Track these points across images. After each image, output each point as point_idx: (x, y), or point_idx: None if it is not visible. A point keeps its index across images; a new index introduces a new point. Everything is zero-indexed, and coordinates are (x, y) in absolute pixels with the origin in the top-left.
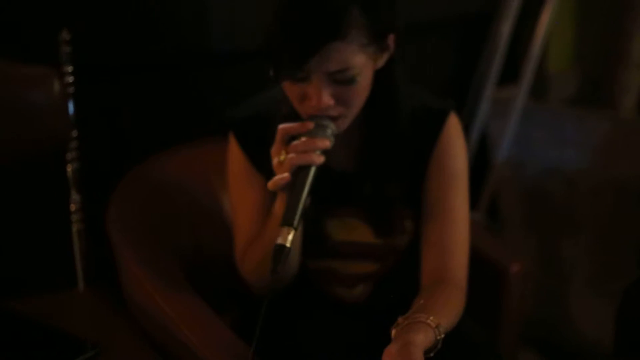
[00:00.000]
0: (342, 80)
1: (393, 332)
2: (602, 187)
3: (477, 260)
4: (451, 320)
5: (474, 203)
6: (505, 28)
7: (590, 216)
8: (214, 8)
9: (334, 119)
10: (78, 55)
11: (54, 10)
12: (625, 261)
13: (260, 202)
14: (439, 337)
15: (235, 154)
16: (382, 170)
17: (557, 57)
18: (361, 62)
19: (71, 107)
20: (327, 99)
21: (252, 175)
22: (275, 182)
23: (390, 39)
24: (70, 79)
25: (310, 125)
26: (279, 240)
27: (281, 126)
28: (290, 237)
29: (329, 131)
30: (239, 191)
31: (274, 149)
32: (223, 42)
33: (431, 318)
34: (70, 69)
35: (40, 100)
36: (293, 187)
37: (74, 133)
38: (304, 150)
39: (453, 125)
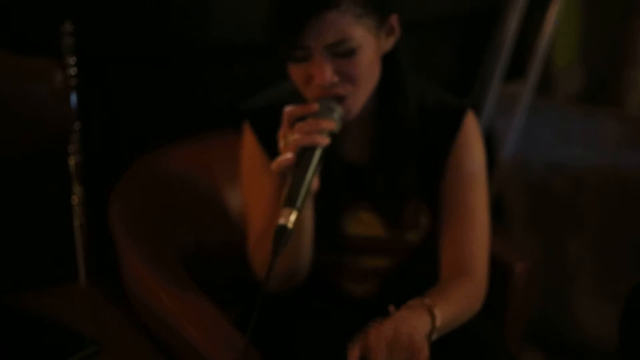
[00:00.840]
0: (341, 52)
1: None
2: (608, 185)
3: None
4: (456, 306)
5: None
6: (512, 24)
7: (596, 214)
8: (217, 1)
9: (340, 99)
10: (81, 47)
11: (57, 2)
12: (631, 261)
13: (274, 194)
14: (435, 320)
15: (249, 144)
16: (395, 162)
17: (563, 54)
18: (360, 34)
19: (74, 99)
20: (330, 75)
21: (267, 166)
22: (278, 162)
23: (394, 20)
24: (73, 71)
25: (315, 106)
26: (281, 221)
27: (287, 108)
28: (292, 217)
29: (336, 114)
30: (252, 183)
31: (280, 132)
32: (226, 36)
33: (425, 300)
34: (73, 61)
35: (43, 93)
36: (297, 168)
37: (77, 125)
38: (308, 132)
39: (471, 123)
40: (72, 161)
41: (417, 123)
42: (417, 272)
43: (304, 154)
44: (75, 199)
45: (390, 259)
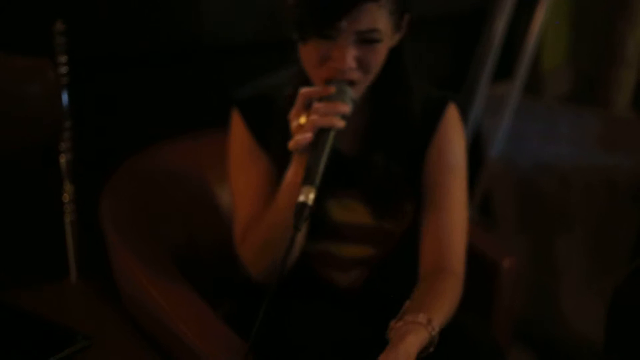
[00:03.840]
0: (368, 39)
1: (388, 337)
2: (595, 184)
3: (470, 255)
4: (446, 311)
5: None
6: (500, 25)
7: (583, 213)
8: (207, 1)
9: (351, 83)
10: (72, 46)
11: (48, 2)
12: (618, 258)
13: (264, 182)
14: (433, 333)
15: (239, 132)
16: (386, 152)
17: (551, 54)
18: (386, 27)
19: (65, 98)
20: (351, 61)
21: (256, 154)
22: (297, 141)
23: (405, 20)
24: (65, 69)
25: (332, 89)
26: (301, 198)
27: (303, 90)
28: (312, 195)
29: (348, 97)
30: (241, 171)
31: (293, 112)
32: (217, 35)
33: (420, 315)
34: (64, 59)
35: (35, 91)
36: (314, 148)
37: (68, 124)
38: (325, 113)
39: (452, 114)
40: (63, 159)
41: (416, 116)
42: (402, 262)
43: (320, 134)
44: (66, 197)
45: (376, 248)
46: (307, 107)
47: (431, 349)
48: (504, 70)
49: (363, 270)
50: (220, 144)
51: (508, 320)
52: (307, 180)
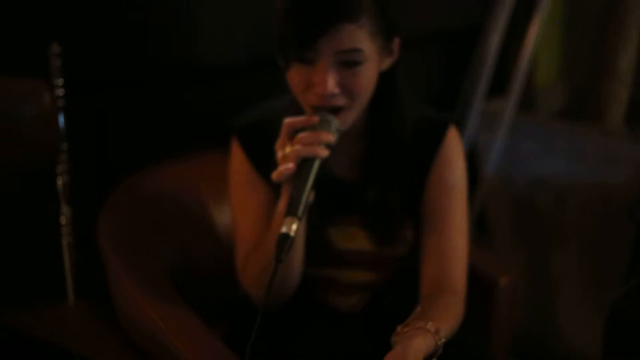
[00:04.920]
0: (349, 61)
1: (393, 340)
2: (591, 200)
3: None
4: (450, 326)
5: None
6: (494, 41)
7: (579, 229)
8: (203, 23)
9: (336, 111)
10: (69, 68)
11: (44, 24)
12: (614, 274)
13: (264, 210)
14: (439, 342)
15: (238, 160)
16: (384, 179)
17: (545, 71)
18: (369, 49)
19: (61, 120)
20: (332, 85)
21: (256, 182)
22: (279, 172)
23: (396, 43)
24: (61, 92)
25: (315, 119)
26: (283, 230)
27: (287, 120)
28: (294, 226)
29: (333, 126)
30: (241, 199)
31: (278, 143)
32: (212, 57)
33: (430, 323)
34: (60, 82)
35: (31, 113)
36: (297, 178)
37: (64, 146)
38: (309, 143)
39: (453, 137)
40: (60, 181)
41: (410, 140)
42: (403, 286)
43: (304, 164)
44: (64, 219)
45: (377, 273)
46: (292, 137)
47: None
48: (498, 86)
49: (364, 295)
50: (216, 165)
51: (505, 337)
52: (289, 211)
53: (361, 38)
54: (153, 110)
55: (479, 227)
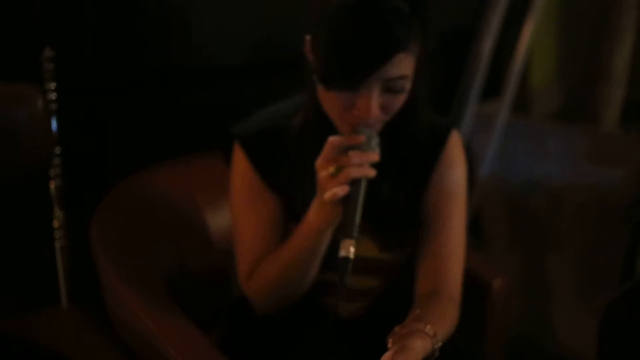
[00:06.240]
0: (394, 88)
1: (390, 341)
2: (586, 202)
3: None
4: (446, 331)
5: None
6: (488, 44)
7: (574, 231)
8: (198, 25)
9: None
10: (61, 73)
11: (37, 28)
12: (609, 276)
13: (271, 218)
14: (436, 346)
15: (243, 168)
16: (392, 182)
17: (539, 73)
18: (412, 72)
19: (54, 125)
20: (376, 110)
21: (262, 191)
22: (334, 193)
23: (422, 53)
24: (54, 96)
25: (363, 138)
26: (343, 253)
27: (331, 139)
28: (352, 249)
29: (374, 142)
30: (246, 207)
31: (320, 162)
32: (207, 60)
33: (428, 327)
34: (53, 86)
35: (24, 118)
36: (349, 199)
37: (57, 150)
38: (359, 163)
39: (455, 142)
40: (53, 185)
41: (428, 145)
42: (404, 291)
43: (352, 185)
44: (57, 223)
45: (379, 279)
46: (335, 156)
47: None
48: (493, 89)
49: (366, 300)
50: (211, 169)
51: (500, 340)
52: (346, 233)
53: (408, 64)
54: (146, 114)
55: (474, 229)
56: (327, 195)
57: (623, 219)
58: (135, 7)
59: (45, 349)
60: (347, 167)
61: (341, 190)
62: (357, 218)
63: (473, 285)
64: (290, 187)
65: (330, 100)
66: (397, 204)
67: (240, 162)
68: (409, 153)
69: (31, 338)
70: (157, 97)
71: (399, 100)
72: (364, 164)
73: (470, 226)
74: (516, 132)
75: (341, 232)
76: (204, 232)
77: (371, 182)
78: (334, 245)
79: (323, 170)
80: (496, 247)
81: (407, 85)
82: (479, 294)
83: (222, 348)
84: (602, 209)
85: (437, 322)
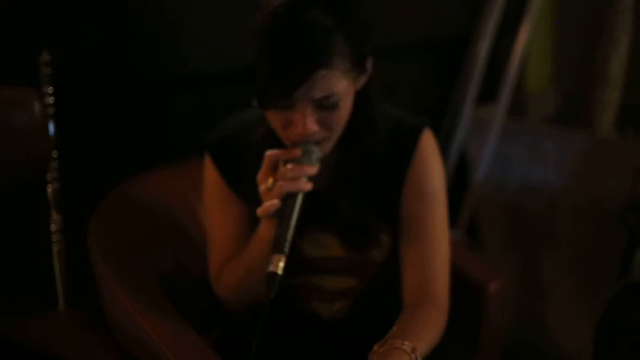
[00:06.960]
0: (326, 105)
1: (371, 358)
2: (582, 205)
3: (456, 278)
4: (429, 342)
5: (453, 221)
6: (483, 48)
7: (570, 234)
8: (192, 30)
9: (317, 142)
10: (58, 76)
11: (34, 32)
12: (605, 279)
13: (237, 222)
14: (417, 356)
15: (210, 175)
16: (357, 188)
17: (535, 77)
18: (344, 87)
19: (51, 128)
20: (312, 125)
21: (228, 195)
22: (265, 208)
23: (369, 62)
24: (51, 99)
25: (298, 152)
26: (271, 268)
27: (268, 153)
28: (281, 264)
29: (314, 157)
30: (214, 214)
31: (260, 176)
32: (202, 64)
33: (406, 343)
34: (50, 89)
35: (21, 121)
36: (282, 214)
37: (55, 153)
38: (292, 177)
39: (428, 141)
40: (50, 188)
41: (383, 148)
42: (385, 292)
43: (287, 199)
44: (54, 226)
45: (357, 279)
46: (274, 169)
47: None
48: (488, 92)
49: (346, 301)
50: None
51: (495, 343)
52: (275, 248)
53: (335, 80)
54: (143, 118)
55: (470, 232)
56: (259, 210)
57: (619, 223)
58: (132, 12)
59: (42, 352)
60: (279, 181)
61: (272, 206)
62: (289, 234)
63: (469, 289)
64: (254, 193)
65: (272, 119)
66: (362, 209)
67: (208, 168)
68: (370, 161)
69: (28, 341)
70: (153, 101)
71: (337, 116)
72: (299, 177)
73: (467, 229)
74: (512, 136)
75: (273, 247)
76: (200, 235)
77: (335, 185)
78: (298, 249)
79: (262, 183)
80: (492, 250)
81: (341, 101)
82: (475, 297)
83: (218, 350)
84: (598, 212)
85: (418, 335)
